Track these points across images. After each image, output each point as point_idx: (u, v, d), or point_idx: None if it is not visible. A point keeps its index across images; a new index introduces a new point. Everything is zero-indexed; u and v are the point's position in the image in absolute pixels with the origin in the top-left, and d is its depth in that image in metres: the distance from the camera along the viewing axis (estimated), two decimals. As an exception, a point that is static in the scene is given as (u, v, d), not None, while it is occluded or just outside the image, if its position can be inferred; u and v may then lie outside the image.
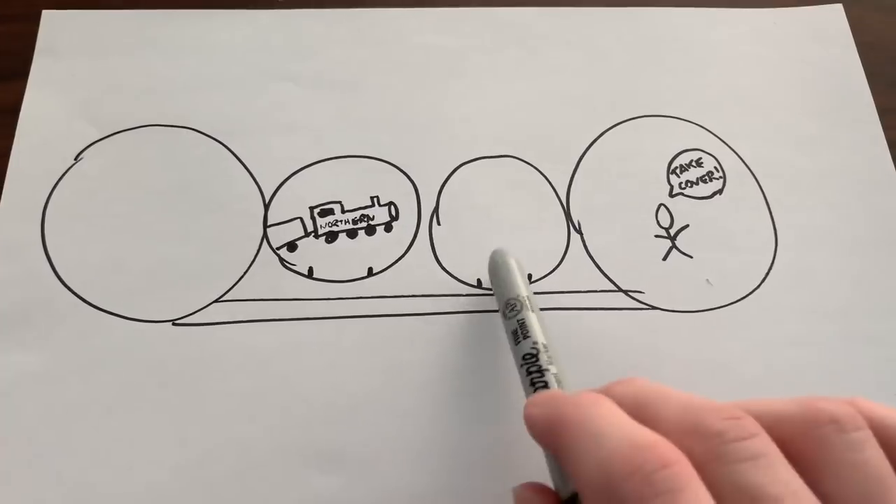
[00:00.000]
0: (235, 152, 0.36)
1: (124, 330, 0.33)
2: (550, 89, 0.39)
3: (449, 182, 0.36)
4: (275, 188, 0.36)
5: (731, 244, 0.36)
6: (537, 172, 0.37)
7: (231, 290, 0.34)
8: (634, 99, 0.39)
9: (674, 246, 0.36)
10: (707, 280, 0.35)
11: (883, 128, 0.39)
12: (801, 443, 0.20)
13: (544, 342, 0.27)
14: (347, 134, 0.37)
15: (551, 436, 0.22)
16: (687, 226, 0.36)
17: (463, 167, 0.37)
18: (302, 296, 0.34)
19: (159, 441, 0.31)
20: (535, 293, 0.34)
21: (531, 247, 0.35)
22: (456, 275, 0.35)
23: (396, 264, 0.35)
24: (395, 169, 0.36)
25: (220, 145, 0.36)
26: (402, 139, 0.37)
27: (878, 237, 0.36)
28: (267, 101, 0.38)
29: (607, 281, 0.35)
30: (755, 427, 0.19)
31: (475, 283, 0.34)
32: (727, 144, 0.38)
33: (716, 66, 0.40)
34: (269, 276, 0.34)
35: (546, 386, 0.26)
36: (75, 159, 0.36)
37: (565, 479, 0.23)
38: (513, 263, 0.31)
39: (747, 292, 0.35)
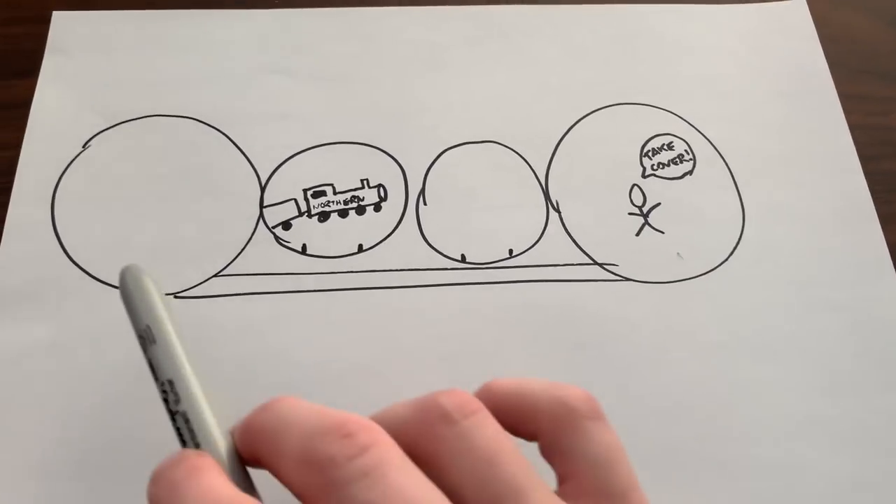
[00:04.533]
0: (233, 139, 0.39)
1: (129, 302, 0.35)
2: (530, 80, 0.41)
3: (435, 165, 0.39)
4: (270, 172, 0.38)
5: (700, 220, 0.38)
6: (518, 156, 0.39)
7: (229, 266, 0.36)
8: (609, 88, 0.41)
9: (646, 222, 0.38)
10: (678, 253, 0.37)
11: (844, 112, 0.41)
12: (422, 443, 0.20)
13: (169, 377, 0.24)
14: (338, 122, 0.39)
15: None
16: (659, 204, 0.38)
17: (448, 152, 0.39)
18: (296, 270, 0.36)
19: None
20: (517, 267, 0.37)
21: (512, 224, 0.37)
22: (441, 250, 0.37)
23: (385, 241, 0.37)
24: (383, 154, 0.39)
25: (219, 133, 0.39)
26: (389, 126, 0.39)
27: (840, 214, 0.39)
28: (263, 92, 0.40)
29: (583, 255, 0.37)
30: (369, 438, 0.19)
31: (459, 258, 0.36)
32: (697, 129, 0.40)
33: (687, 58, 0.43)
34: (265, 253, 0.36)
35: (180, 433, 0.24)
36: (83, 147, 0.38)
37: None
38: (131, 283, 0.27)
39: (716, 265, 0.37)
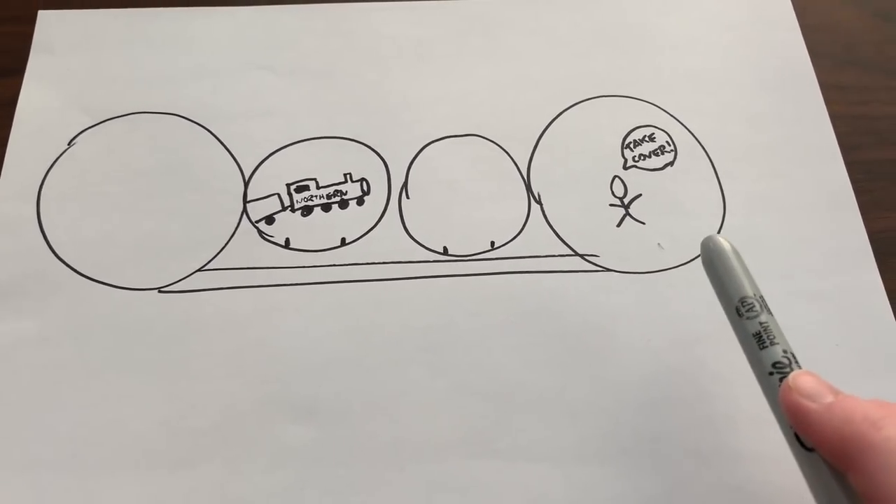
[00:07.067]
0: (217, 135, 0.39)
1: (114, 297, 0.35)
2: (513, 73, 0.42)
3: (417, 159, 0.39)
4: (254, 167, 0.38)
5: (681, 211, 0.38)
6: (500, 149, 0.39)
7: (213, 260, 0.36)
8: (591, 81, 0.42)
9: (627, 213, 0.38)
10: (658, 244, 0.37)
11: (826, 103, 0.41)
12: None
13: (789, 349, 0.27)
14: (322, 117, 0.40)
15: (845, 455, 0.23)
16: (640, 195, 0.39)
17: (430, 145, 0.39)
18: (279, 264, 0.36)
19: (146, 397, 0.33)
20: (499, 259, 0.37)
21: (494, 216, 0.38)
22: (423, 243, 0.37)
23: (368, 234, 0.37)
24: (366, 148, 0.39)
25: (203, 129, 0.39)
26: (372, 121, 0.40)
27: (821, 203, 0.39)
28: (246, 88, 0.40)
29: (565, 246, 0.37)
30: None
31: (441, 251, 0.37)
32: (678, 120, 0.41)
33: (668, 49, 0.43)
34: (248, 247, 0.36)
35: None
36: (69, 144, 0.38)
37: (852, 496, 0.24)
38: (731, 253, 0.30)
39: (697, 255, 0.37)
